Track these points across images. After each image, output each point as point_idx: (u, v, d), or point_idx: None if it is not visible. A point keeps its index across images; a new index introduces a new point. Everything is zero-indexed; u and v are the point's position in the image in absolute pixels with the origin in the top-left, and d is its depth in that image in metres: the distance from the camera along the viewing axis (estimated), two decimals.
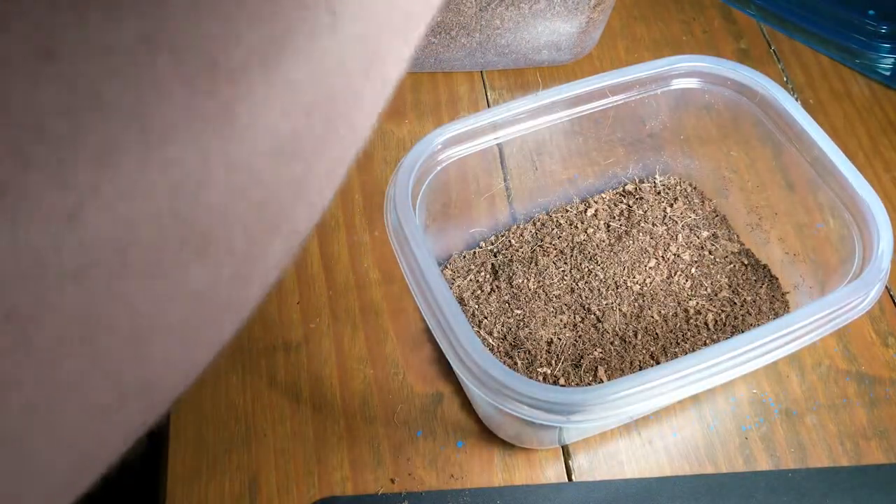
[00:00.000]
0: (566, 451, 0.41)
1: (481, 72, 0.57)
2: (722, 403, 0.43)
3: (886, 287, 0.47)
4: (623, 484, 0.40)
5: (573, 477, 0.40)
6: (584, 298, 0.44)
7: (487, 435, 0.41)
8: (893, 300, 0.47)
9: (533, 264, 0.45)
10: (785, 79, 0.58)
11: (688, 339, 0.43)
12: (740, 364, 0.33)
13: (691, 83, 0.45)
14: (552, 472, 0.40)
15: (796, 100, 0.48)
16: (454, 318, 0.33)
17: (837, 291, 0.35)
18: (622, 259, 0.45)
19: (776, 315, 0.44)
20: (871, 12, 0.58)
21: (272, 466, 0.40)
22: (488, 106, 0.55)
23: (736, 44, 0.60)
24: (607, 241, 0.46)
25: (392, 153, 0.52)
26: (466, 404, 0.42)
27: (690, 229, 0.47)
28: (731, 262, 0.46)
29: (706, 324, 0.43)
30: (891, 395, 0.43)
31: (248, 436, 0.41)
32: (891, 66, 0.57)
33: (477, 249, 0.46)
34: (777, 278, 0.46)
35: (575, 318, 0.43)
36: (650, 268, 0.45)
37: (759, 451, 0.41)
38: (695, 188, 0.49)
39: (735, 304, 0.44)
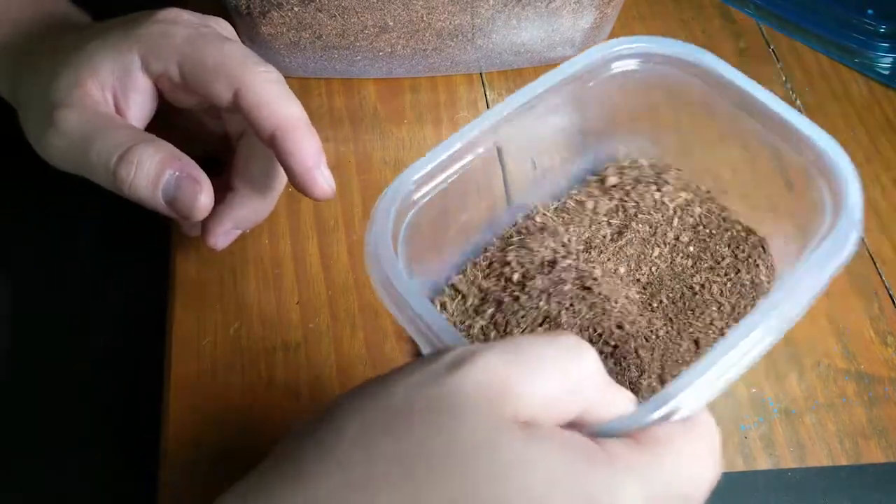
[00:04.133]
0: None
1: (480, 73, 0.57)
2: (721, 402, 0.43)
3: (886, 287, 0.47)
4: None
5: None
6: (598, 297, 0.43)
7: None
8: (893, 300, 0.47)
9: (541, 270, 0.45)
10: (784, 78, 0.58)
11: (697, 316, 0.44)
12: (759, 345, 0.32)
13: (630, 65, 0.44)
14: None
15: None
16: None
17: (819, 249, 0.35)
18: (628, 253, 0.46)
19: (770, 271, 0.46)
20: (869, 11, 0.58)
21: None
22: (488, 106, 0.55)
23: (735, 43, 0.60)
24: (609, 237, 0.47)
25: (391, 153, 0.52)
26: None
27: (682, 209, 0.48)
28: (726, 230, 0.47)
29: (712, 296, 0.45)
30: (890, 394, 0.43)
31: (248, 436, 0.41)
32: (890, 65, 0.58)
33: (474, 270, 0.46)
34: (761, 237, 0.47)
35: (594, 317, 0.43)
36: (655, 257, 0.46)
37: (759, 451, 0.41)
38: (658, 166, 0.50)
39: (730, 269, 0.46)
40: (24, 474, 0.52)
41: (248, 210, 0.45)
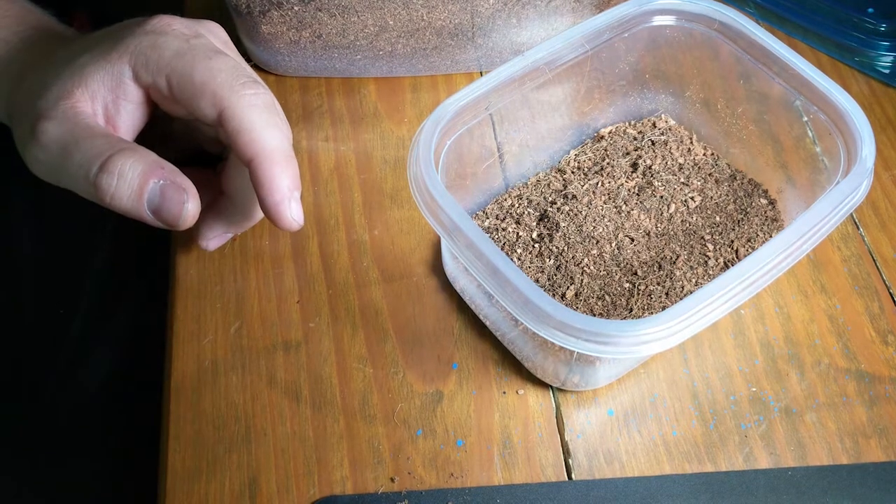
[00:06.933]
0: (566, 450, 0.41)
1: (480, 72, 0.57)
2: (721, 401, 0.43)
3: (886, 286, 0.47)
4: (623, 482, 0.40)
5: (573, 476, 0.40)
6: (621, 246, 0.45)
7: (487, 434, 0.41)
8: (893, 299, 0.47)
9: (568, 213, 0.46)
10: None
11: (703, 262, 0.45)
12: (773, 269, 0.36)
13: (660, 21, 0.47)
14: (552, 471, 0.40)
15: (757, 22, 0.50)
16: (524, 282, 0.34)
17: (830, 193, 0.38)
18: (647, 206, 0.47)
19: (776, 221, 0.47)
20: (870, 10, 0.58)
21: (272, 466, 0.40)
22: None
23: None
24: (625, 191, 0.48)
25: (391, 153, 0.52)
26: (466, 402, 0.42)
27: (698, 168, 0.49)
28: (733, 189, 0.48)
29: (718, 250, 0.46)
30: (890, 393, 0.43)
31: (248, 435, 0.41)
32: (890, 63, 0.57)
33: (498, 207, 0.48)
34: (767, 190, 0.48)
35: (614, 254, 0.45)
36: (671, 212, 0.47)
37: (759, 450, 0.41)
38: (677, 125, 0.52)
39: (738, 221, 0.47)
40: (25, 474, 0.52)
41: (239, 215, 0.45)
